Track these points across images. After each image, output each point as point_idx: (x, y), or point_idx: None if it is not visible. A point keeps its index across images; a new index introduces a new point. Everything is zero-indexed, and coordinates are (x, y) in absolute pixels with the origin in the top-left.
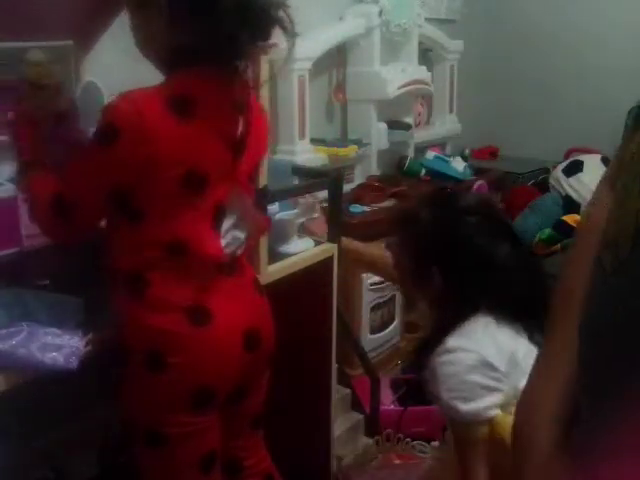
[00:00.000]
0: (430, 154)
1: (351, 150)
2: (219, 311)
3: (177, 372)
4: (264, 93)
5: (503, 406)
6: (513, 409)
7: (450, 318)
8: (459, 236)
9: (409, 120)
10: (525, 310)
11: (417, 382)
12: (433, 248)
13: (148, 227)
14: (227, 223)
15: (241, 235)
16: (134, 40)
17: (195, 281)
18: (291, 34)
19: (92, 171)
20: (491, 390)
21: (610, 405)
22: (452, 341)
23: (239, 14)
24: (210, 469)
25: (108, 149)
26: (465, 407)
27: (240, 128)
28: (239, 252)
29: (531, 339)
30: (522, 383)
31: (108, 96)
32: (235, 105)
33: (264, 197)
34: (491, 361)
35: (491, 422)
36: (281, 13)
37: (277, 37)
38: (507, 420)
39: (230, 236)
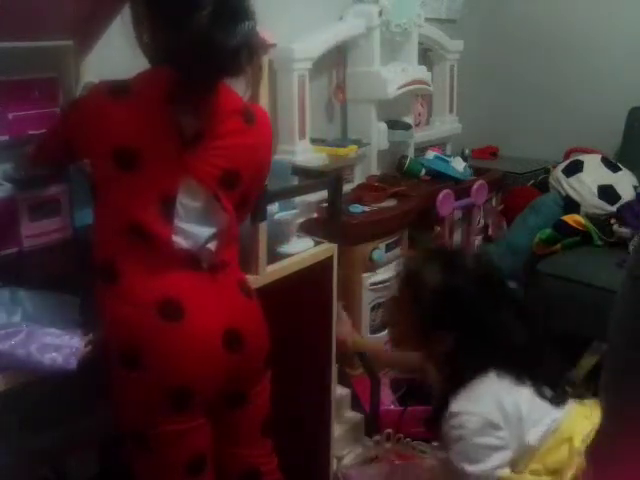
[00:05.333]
0: (430, 154)
1: (351, 150)
2: (193, 308)
3: (152, 370)
4: (263, 93)
5: (512, 463)
6: (521, 465)
7: (456, 380)
8: (468, 303)
9: (409, 120)
10: (526, 362)
11: (417, 382)
12: (441, 314)
13: (106, 207)
14: (184, 216)
15: (206, 231)
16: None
17: (167, 274)
18: (252, 84)
19: (56, 128)
20: (498, 449)
21: (631, 410)
22: (456, 405)
23: (202, 47)
24: (198, 473)
25: (66, 116)
26: (472, 468)
27: (190, 127)
28: (210, 247)
29: (536, 389)
30: (528, 437)
31: None
32: (172, 96)
33: (263, 197)
34: (495, 421)
35: None
36: (249, 60)
37: (275, 37)
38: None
39: (190, 230)
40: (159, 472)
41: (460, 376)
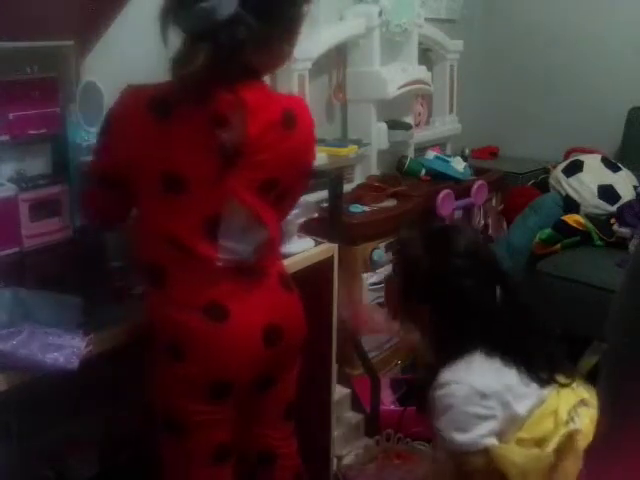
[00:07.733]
0: (430, 154)
1: (351, 150)
2: (236, 309)
3: (196, 363)
4: None
5: (499, 434)
6: (509, 437)
7: (445, 353)
8: (447, 280)
9: (409, 120)
10: (514, 348)
11: (417, 382)
12: (421, 287)
13: (149, 220)
14: (228, 235)
15: (249, 246)
16: None
17: (211, 281)
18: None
19: (96, 152)
20: (485, 418)
21: (628, 406)
22: (445, 375)
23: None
24: (223, 461)
25: (104, 136)
26: (461, 437)
27: (228, 141)
28: (251, 260)
29: (521, 370)
30: (515, 408)
31: (108, 96)
32: (216, 117)
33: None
34: (483, 390)
35: (488, 453)
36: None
37: None
38: (503, 451)
39: (234, 247)
40: (187, 459)
41: (448, 349)
